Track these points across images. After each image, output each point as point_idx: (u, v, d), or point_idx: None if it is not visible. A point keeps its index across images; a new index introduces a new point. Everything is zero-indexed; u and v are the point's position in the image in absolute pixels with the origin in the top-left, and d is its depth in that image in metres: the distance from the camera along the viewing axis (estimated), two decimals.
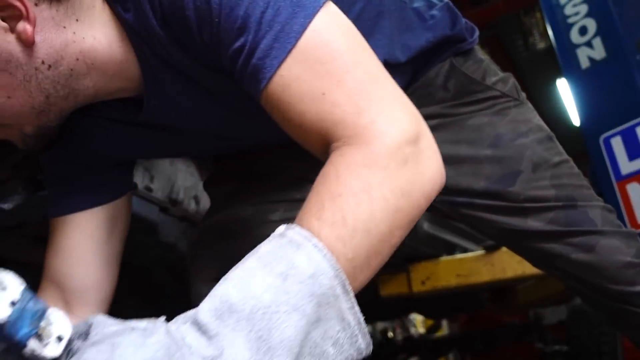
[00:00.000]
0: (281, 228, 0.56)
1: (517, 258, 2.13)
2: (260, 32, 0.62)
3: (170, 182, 1.46)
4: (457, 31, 0.97)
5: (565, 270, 0.94)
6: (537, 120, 0.99)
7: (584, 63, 1.92)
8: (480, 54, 1.03)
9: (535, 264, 1.01)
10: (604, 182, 1.81)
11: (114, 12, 0.71)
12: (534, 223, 0.92)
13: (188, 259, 1.03)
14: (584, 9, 1.94)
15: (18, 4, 0.64)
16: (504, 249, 2.15)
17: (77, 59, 0.71)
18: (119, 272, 0.95)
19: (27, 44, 0.67)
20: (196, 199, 1.55)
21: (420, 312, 3.96)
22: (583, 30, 1.93)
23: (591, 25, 1.92)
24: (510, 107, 0.98)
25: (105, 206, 0.91)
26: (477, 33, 1.03)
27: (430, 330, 4.67)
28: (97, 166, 0.90)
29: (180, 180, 1.50)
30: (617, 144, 1.80)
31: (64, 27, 0.69)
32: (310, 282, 0.50)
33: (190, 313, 0.51)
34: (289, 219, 1.05)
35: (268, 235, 1.07)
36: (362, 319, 0.53)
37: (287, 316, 0.48)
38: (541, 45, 5.51)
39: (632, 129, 1.77)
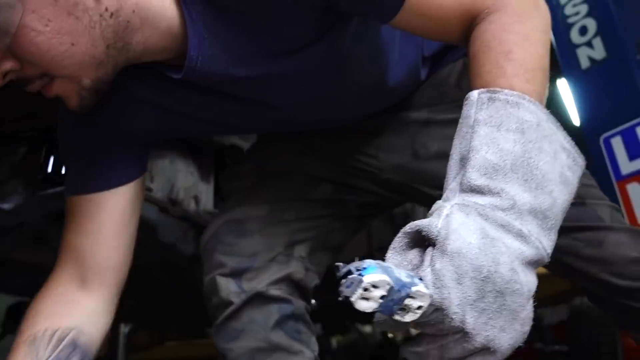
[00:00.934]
0: (474, 95, 0.64)
1: None
2: None
3: (170, 182, 1.46)
4: None
5: (574, 266, 0.94)
6: None
7: (584, 63, 1.92)
8: None
9: None
10: (604, 182, 1.80)
11: None
12: None
13: (202, 250, 1.05)
14: (584, 9, 1.94)
15: None
16: None
17: (133, 11, 0.71)
18: None
19: None
20: (196, 199, 1.55)
21: None
22: (583, 30, 1.93)
23: (591, 25, 1.92)
24: None
25: (129, 185, 0.91)
26: None
27: None
28: (123, 143, 0.90)
29: (180, 181, 1.50)
30: (617, 144, 1.80)
31: None
32: (539, 129, 0.61)
33: (459, 187, 0.59)
34: (303, 218, 1.06)
35: (283, 233, 1.03)
36: (572, 142, 0.65)
37: (537, 157, 0.60)
38: None
39: (632, 129, 1.77)
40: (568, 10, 1.98)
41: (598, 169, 1.84)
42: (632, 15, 1.89)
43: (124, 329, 2.74)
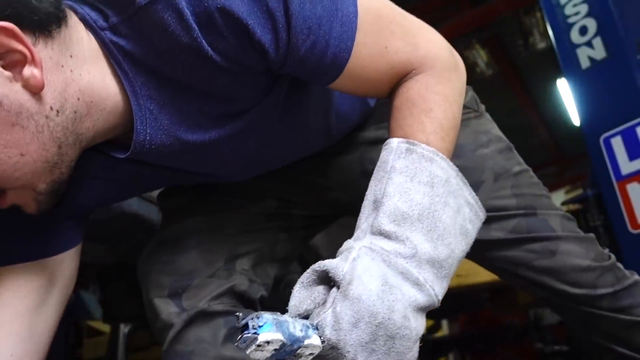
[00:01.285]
0: (394, 142, 0.69)
1: None
2: (328, 22, 0.67)
3: None
4: None
5: (529, 278, 0.94)
6: (497, 131, 1.00)
7: (584, 63, 1.92)
8: None
9: (500, 275, 1.02)
10: (604, 182, 1.80)
11: (99, 41, 0.67)
12: (496, 233, 0.93)
13: (139, 271, 0.98)
14: (584, 8, 1.94)
15: (21, 47, 0.59)
16: None
17: (78, 99, 0.65)
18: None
19: (36, 90, 0.61)
20: None
21: None
22: (583, 30, 1.93)
23: (591, 25, 1.91)
24: (470, 119, 0.98)
25: (47, 260, 0.81)
26: None
27: (430, 330, 4.67)
28: (62, 215, 0.82)
29: None
30: (617, 144, 1.79)
31: (62, 66, 0.64)
32: (447, 184, 0.68)
33: (370, 229, 0.65)
34: (245, 232, 1.00)
35: (223, 248, 0.98)
36: (476, 197, 0.72)
37: (442, 211, 0.66)
38: (541, 45, 5.51)
39: (632, 129, 1.77)
40: (568, 10, 1.98)
41: (598, 169, 1.84)
42: (632, 15, 1.89)
43: (124, 329, 2.74)
